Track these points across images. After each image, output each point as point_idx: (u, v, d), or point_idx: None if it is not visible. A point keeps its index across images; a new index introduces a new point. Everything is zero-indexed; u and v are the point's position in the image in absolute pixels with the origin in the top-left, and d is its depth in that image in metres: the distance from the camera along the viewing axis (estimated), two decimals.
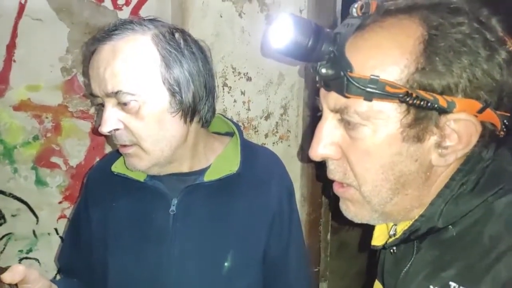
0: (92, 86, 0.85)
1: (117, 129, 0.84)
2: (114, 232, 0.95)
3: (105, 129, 0.83)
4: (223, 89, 1.43)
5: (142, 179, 0.94)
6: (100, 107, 0.88)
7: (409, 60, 0.54)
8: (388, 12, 0.58)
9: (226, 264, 0.92)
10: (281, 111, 1.55)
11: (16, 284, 0.71)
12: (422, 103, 0.53)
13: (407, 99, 0.53)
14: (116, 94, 0.81)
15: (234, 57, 1.43)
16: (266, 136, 1.54)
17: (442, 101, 0.53)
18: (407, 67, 0.54)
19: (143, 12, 1.37)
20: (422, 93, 0.53)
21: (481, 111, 0.54)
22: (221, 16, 1.40)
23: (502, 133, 0.57)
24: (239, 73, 1.45)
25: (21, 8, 1.26)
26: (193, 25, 1.36)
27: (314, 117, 1.58)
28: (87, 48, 0.87)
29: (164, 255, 0.91)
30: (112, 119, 0.83)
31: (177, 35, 0.86)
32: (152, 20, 0.87)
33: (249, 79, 1.47)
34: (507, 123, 0.57)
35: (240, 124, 1.48)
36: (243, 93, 1.47)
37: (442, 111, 0.54)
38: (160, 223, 0.92)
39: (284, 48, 0.60)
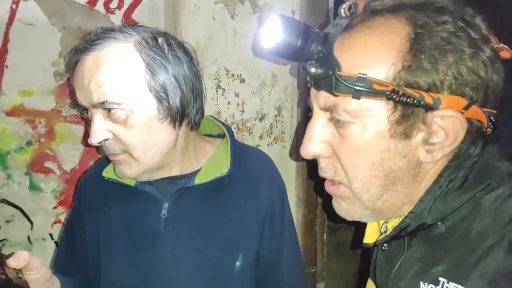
0: (77, 97, 0.85)
1: (107, 139, 0.84)
2: (106, 237, 0.95)
3: (94, 140, 0.83)
4: (217, 91, 1.44)
5: (133, 184, 0.93)
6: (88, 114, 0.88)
7: (396, 58, 0.55)
8: (375, 12, 0.58)
9: (237, 263, 0.92)
10: (275, 112, 1.56)
11: (20, 270, 0.72)
12: (408, 100, 0.54)
13: (394, 96, 0.54)
14: (102, 104, 0.81)
15: (227, 59, 1.43)
16: (261, 137, 1.54)
17: (428, 98, 0.54)
18: (394, 65, 0.55)
19: (136, 16, 1.37)
20: (409, 90, 0.54)
21: (467, 107, 0.55)
22: (214, 18, 1.40)
23: (489, 130, 0.58)
24: (233, 75, 1.46)
25: (13, 13, 1.26)
26: (186, 28, 1.36)
27: (306, 117, 1.59)
28: (69, 58, 0.86)
29: (157, 259, 0.91)
30: (100, 130, 0.83)
31: (160, 39, 0.85)
32: (134, 26, 0.87)
33: (242, 80, 1.47)
34: (493, 120, 0.58)
35: (234, 126, 1.48)
36: (237, 95, 1.47)
37: (429, 108, 0.55)
38: (152, 227, 0.92)
39: (274, 48, 0.61)
